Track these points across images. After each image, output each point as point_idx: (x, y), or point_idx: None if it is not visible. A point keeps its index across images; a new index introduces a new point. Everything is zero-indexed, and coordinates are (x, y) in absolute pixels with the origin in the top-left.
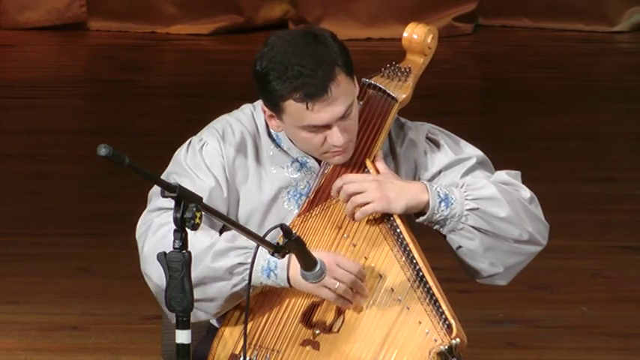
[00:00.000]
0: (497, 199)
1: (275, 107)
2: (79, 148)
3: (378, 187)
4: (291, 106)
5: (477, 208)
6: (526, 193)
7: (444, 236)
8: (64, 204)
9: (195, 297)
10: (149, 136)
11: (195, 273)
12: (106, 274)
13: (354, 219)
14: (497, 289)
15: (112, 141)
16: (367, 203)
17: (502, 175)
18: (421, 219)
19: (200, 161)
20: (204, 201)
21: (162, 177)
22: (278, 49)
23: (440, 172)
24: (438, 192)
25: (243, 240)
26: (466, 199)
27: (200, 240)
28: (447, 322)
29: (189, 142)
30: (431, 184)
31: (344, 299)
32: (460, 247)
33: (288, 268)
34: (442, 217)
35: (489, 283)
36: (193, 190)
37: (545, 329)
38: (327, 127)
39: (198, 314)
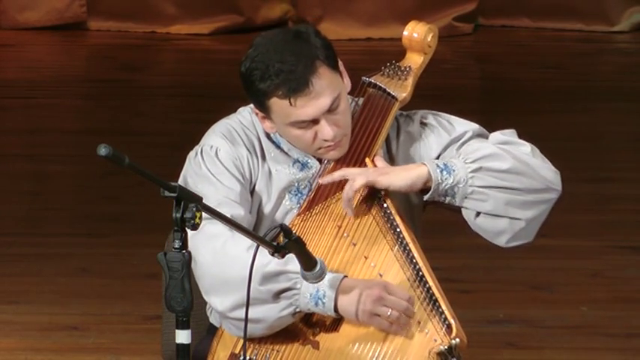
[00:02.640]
0: (496, 154)
1: (262, 107)
2: (79, 148)
3: (376, 170)
4: (276, 103)
5: (480, 168)
6: (526, 147)
7: (459, 212)
8: (64, 204)
9: (242, 317)
10: (149, 136)
11: (243, 294)
12: (106, 274)
13: (350, 197)
14: (498, 289)
15: (112, 141)
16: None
17: (497, 135)
18: (429, 194)
19: (221, 167)
20: (236, 203)
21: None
22: (260, 49)
23: (439, 156)
24: (437, 164)
25: (296, 264)
26: (466, 163)
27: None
28: (446, 322)
29: (201, 151)
30: (428, 160)
31: (396, 327)
32: (478, 213)
33: (337, 299)
34: (448, 186)
35: (516, 245)
36: (223, 195)
37: (545, 329)
38: (316, 121)
39: (240, 334)
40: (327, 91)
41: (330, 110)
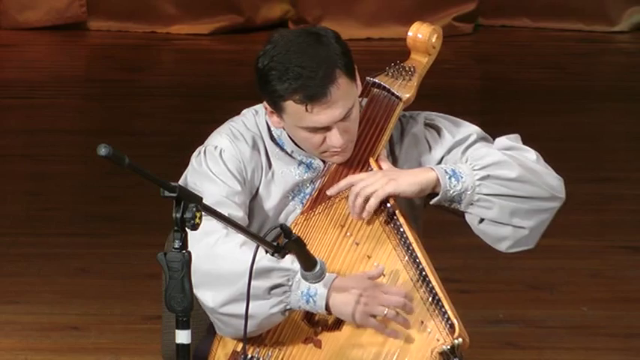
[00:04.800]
0: (504, 162)
1: (275, 106)
2: (79, 148)
3: (383, 175)
4: (291, 106)
5: (488, 176)
6: (531, 154)
7: (463, 216)
8: (64, 204)
9: (233, 312)
10: (149, 136)
11: (234, 289)
12: (106, 274)
13: (364, 212)
14: (498, 289)
15: (112, 141)
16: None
17: (503, 140)
18: (435, 200)
19: (223, 167)
20: (235, 204)
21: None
22: (280, 48)
23: (442, 158)
24: (445, 170)
25: (288, 262)
26: (474, 170)
27: (245, 254)
28: (449, 322)
29: (205, 151)
30: (435, 165)
31: (390, 330)
32: (482, 219)
33: (328, 297)
34: (456, 193)
35: (517, 250)
36: (223, 195)
37: (545, 329)
38: (327, 127)
39: (228, 331)
40: (343, 100)
41: (343, 118)
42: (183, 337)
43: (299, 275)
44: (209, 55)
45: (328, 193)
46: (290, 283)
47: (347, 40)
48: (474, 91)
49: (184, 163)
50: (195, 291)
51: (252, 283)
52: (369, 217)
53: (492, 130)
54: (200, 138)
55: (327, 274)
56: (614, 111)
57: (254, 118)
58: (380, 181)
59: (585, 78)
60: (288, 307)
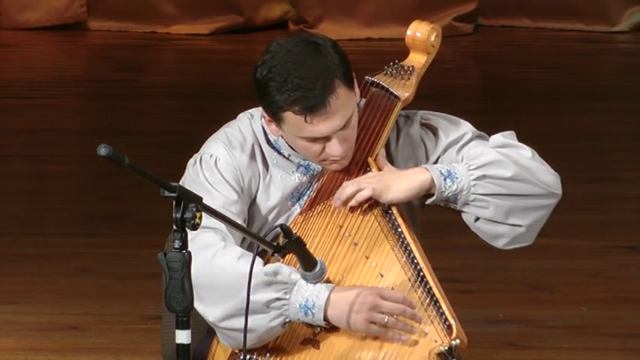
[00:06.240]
0: (499, 161)
1: (274, 116)
2: (79, 148)
3: (377, 182)
4: (290, 117)
5: (483, 176)
6: (526, 152)
7: (459, 214)
8: (64, 204)
9: (233, 327)
10: (149, 136)
11: (233, 304)
12: (106, 274)
13: (352, 200)
14: (497, 289)
15: (112, 141)
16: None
17: (498, 138)
18: (431, 200)
19: (219, 176)
20: (232, 214)
21: None
22: (279, 59)
23: (438, 158)
24: (440, 170)
25: (286, 274)
26: (469, 170)
27: (243, 267)
28: (447, 323)
29: (200, 159)
30: (430, 165)
31: (392, 334)
32: (478, 218)
33: (326, 309)
34: (452, 193)
35: (515, 247)
36: (219, 205)
37: (545, 329)
38: (326, 138)
39: (231, 343)
40: (343, 110)
41: (342, 127)
42: (183, 337)
43: (297, 287)
44: (209, 55)
45: (333, 204)
46: (288, 296)
47: (347, 40)
48: (474, 91)
49: (184, 163)
50: (195, 305)
51: (251, 297)
52: (356, 204)
53: (492, 130)
54: (200, 138)
55: (324, 284)
56: (614, 111)
57: (249, 122)
58: (372, 184)
59: (585, 78)
60: (287, 319)
